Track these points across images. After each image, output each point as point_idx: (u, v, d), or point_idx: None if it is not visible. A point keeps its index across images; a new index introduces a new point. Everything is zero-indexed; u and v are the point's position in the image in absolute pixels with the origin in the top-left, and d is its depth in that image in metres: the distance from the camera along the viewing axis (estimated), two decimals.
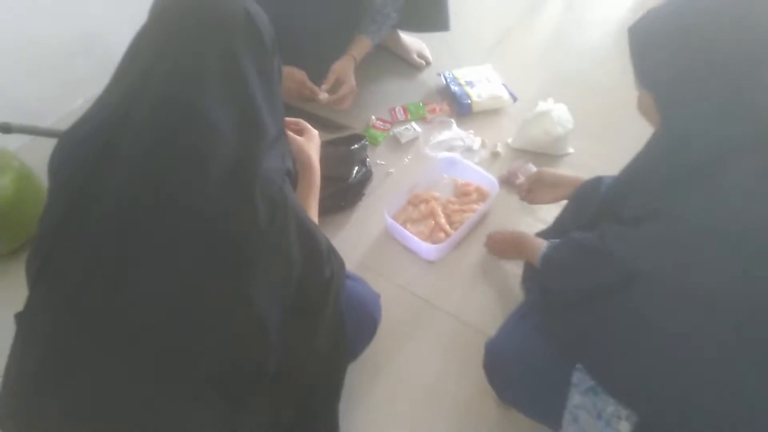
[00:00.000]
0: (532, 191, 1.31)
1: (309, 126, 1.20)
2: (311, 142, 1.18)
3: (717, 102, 0.75)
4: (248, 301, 0.82)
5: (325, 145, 1.46)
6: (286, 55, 1.61)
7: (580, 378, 0.90)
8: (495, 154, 1.63)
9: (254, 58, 0.85)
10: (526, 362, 0.98)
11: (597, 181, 1.21)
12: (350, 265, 1.39)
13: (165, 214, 0.77)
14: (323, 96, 1.61)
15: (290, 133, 1.19)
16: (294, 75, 1.62)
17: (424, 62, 1.91)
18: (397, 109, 1.77)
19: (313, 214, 1.13)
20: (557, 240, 1.02)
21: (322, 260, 0.99)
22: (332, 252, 1.06)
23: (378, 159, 1.64)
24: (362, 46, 1.67)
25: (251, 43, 0.85)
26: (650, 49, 0.83)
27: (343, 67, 1.63)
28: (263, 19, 0.88)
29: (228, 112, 0.80)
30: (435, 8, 1.76)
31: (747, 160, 0.74)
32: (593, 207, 1.02)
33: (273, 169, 0.87)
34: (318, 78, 1.65)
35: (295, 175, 1.07)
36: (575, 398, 0.90)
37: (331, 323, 1.03)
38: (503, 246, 1.33)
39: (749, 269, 0.72)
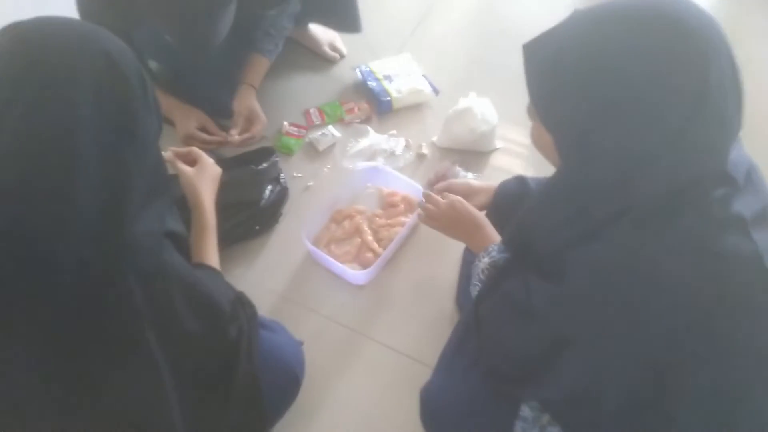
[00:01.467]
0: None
1: (202, 155, 1.05)
2: (202, 173, 1.03)
3: (635, 152, 0.65)
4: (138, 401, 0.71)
5: (229, 166, 1.29)
6: (178, 95, 1.39)
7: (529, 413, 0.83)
8: (421, 156, 1.52)
9: (117, 107, 0.68)
10: (467, 411, 0.89)
11: (519, 182, 1.12)
12: (270, 299, 1.26)
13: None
14: (235, 139, 1.42)
15: (179, 166, 1.02)
16: (195, 118, 1.43)
17: (337, 55, 1.74)
18: (312, 111, 1.61)
19: (211, 257, 0.98)
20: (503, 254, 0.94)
21: (224, 320, 0.86)
22: (239, 304, 0.93)
23: (294, 171, 1.48)
24: (259, 68, 1.50)
25: (112, 90, 0.68)
26: (556, 88, 0.70)
27: (246, 102, 1.45)
28: (126, 58, 0.70)
29: (87, 175, 0.64)
30: (342, 9, 1.60)
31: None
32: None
33: (146, 234, 0.72)
34: (218, 114, 1.48)
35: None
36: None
37: (243, 391, 0.91)
38: (452, 221, 1.06)
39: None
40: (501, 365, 0.87)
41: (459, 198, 1.07)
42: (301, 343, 1.08)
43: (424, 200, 1.12)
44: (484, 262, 0.95)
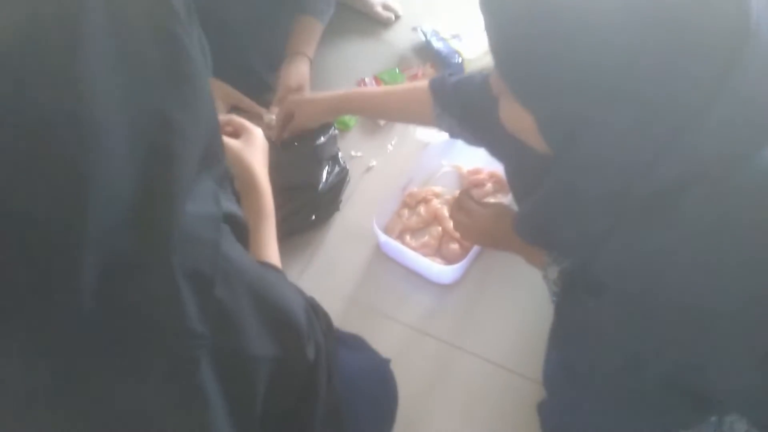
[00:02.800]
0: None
1: (247, 124, 0.81)
2: (252, 147, 0.79)
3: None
4: None
5: (278, 145, 1.05)
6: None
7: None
8: None
9: (156, 31, 0.44)
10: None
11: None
12: (336, 305, 1.01)
13: None
14: (268, 118, 1.14)
15: (225, 140, 0.78)
16: (223, 92, 1.14)
17: (392, 15, 1.49)
18: (368, 80, 1.36)
19: (272, 255, 0.74)
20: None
21: (301, 339, 0.61)
22: (314, 314, 0.68)
23: (352, 150, 1.24)
24: (312, 33, 1.22)
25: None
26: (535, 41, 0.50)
27: (296, 73, 1.16)
28: None
29: (118, 120, 0.40)
30: None
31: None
32: None
33: (200, 219, 0.48)
34: (257, 93, 1.19)
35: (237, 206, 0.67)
36: None
37: (325, 427, 0.66)
38: (486, 232, 0.85)
39: None
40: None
41: (495, 206, 0.85)
42: (388, 362, 0.83)
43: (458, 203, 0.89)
44: (552, 270, 0.74)
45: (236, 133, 0.81)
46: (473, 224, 0.85)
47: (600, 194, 0.55)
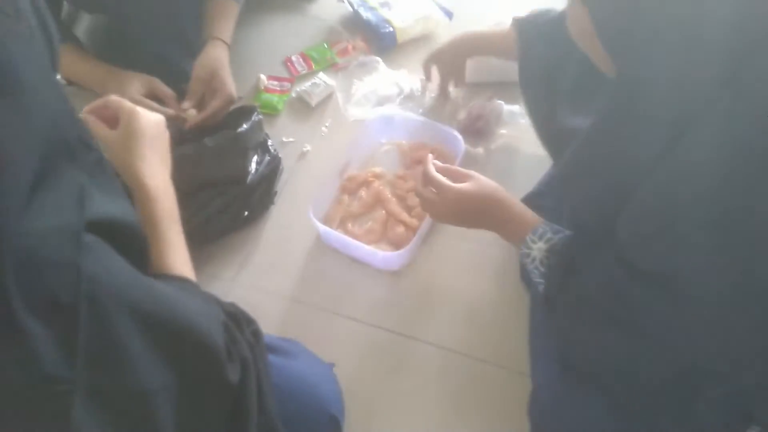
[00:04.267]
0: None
1: (124, 105, 0.65)
2: (132, 136, 0.63)
3: None
4: None
5: (194, 134, 0.95)
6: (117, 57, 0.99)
7: None
8: (442, 97, 1.18)
9: None
10: None
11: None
12: (275, 307, 0.93)
13: None
14: (191, 113, 1.00)
15: (95, 129, 0.65)
16: (137, 82, 1.00)
17: None
18: (294, 59, 1.25)
19: (178, 263, 0.62)
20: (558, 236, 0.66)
21: (216, 360, 0.53)
22: (236, 326, 0.59)
23: (283, 135, 1.14)
24: (227, 16, 1.09)
25: None
26: None
27: (208, 62, 1.02)
28: None
29: None
30: None
31: None
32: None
33: (51, 235, 0.38)
34: (176, 82, 1.05)
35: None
36: None
37: None
38: (456, 208, 0.76)
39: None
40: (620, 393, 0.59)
41: (458, 187, 0.74)
42: (331, 367, 0.76)
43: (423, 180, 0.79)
44: (538, 248, 0.67)
45: (111, 120, 0.66)
46: (443, 202, 0.75)
47: (658, 113, 0.49)
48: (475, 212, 0.75)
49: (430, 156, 0.82)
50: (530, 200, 0.89)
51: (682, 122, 0.47)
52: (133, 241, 0.48)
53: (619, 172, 0.53)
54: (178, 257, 0.60)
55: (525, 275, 0.93)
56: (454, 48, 1.04)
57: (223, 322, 0.55)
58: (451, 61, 1.06)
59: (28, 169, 0.36)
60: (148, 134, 0.64)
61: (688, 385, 0.52)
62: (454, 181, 0.76)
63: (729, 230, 0.45)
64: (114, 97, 0.67)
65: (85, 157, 0.45)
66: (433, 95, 1.15)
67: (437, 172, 0.78)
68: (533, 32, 0.86)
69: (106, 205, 0.44)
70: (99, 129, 0.64)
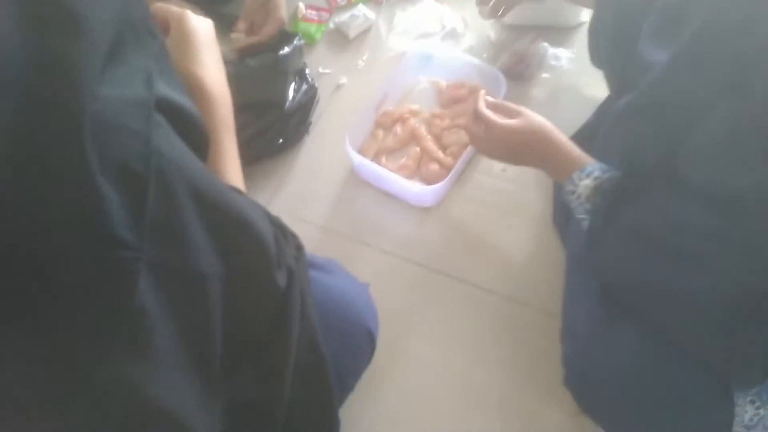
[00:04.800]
0: None
1: (174, 12, 0.62)
2: (186, 43, 0.61)
3: None
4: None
5: (236, 56, 0.94)
6: None
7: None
8: (484, 38, 1.15)
9: None
10: (644, 383, 0.59)
11: None
12: (309, 234, 0.94)
13: None
14: (238, 39, 0.96)
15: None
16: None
17: None
18: None
19: (232, 174, 0.63)
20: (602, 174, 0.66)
21: (268, 261, 0.54)
22: (283, 236, 0.61)
23: (320, 67, 1.12)
24: None
25: None
26: None
27: None
28: None
29: None
30: None
31: None
32: None
33: (124, 104, 0.39)
34: (221, 19, 0.99)
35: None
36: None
37: (302, 360, 0.60)
38: (505, 144, 0.76)
39: None
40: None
41: (507, 123, 0.75)
42: (367, 286, 0.77)
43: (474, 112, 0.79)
44: (584, 185, 0.67)
45: (165, 27, 0.63)
46: (493, 138, 0.76)
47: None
48: (524, 148, 0.75)
49: (482, 92, 0.81)
50: (577, 139, 0.89)
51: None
52: (194, 133, 0.48)
53: (719, 76, 0.52)
54: (233, 168, 0.60)
55: (558, 219, 0.93)
56: None
57: (273, 233, 0.56)
58: None
59: (105, 36, 0.36)
60: (201, 36, 0.62)
61: (737, 317, 0.53)
62: (505, 116, 0.76)
63: None
64: (160, 4, 0.65)
65: (149, 42, 0.44)
66: (472, 37, 1.12)
67: (489, 105, 0.77)
68: None
69: (170, 91, 0.44)
70: None
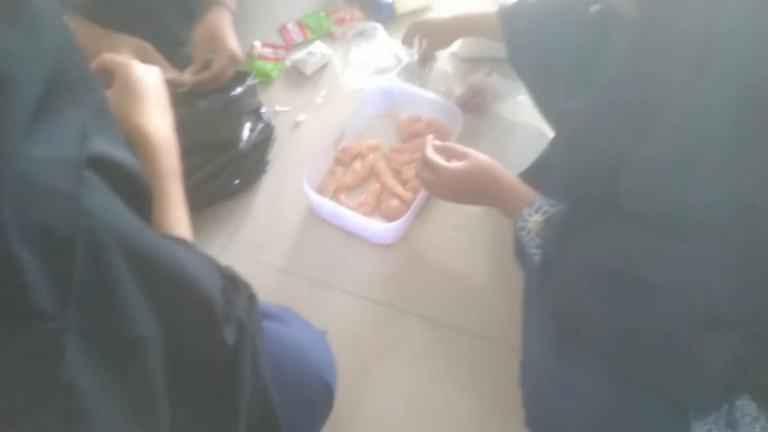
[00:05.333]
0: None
1: (119, 62, 0.63)
2: (129, 91, 0.61)
3: None
4: None
5: (187, 97, 0.92)
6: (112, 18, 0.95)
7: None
8: (439, 71, 1.16)
9: None
10: (604, 423, 0.57)
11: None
12: (267, 277, 0.92)
13: None
14: (188, 79, 0.95)
15: None
16: (127, 46, 0.95)
17: None
18: (290, 27, 1.22)
19: (177, 223, 0.61)
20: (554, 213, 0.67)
21: (214, 317, 0.51)
22: (233, 288, 0.58)
23: (276, 104, 1.11)
24: None
25: None
26: None
27: (211, 26, 0.98)
28: None
29: None
30: None
31: None
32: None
33: (51, 164, 0.37)
34: (170, 48, 1.01)
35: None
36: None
37: (255, 418, 0.58)
38: (455, 187, 0.78)
39: None
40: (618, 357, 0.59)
41: (433, 154, 0.79)
42: (324, 334, 0.75)
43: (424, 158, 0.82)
44: (534, 221, 0.68)
45: (107, 76, 0.63)
46: (441, 183, 0.78)
47: (683, 46, 0.48)
48: (472, 190, 0.77)
49: (430, 137, 0.84)
50: (528, 175, 0.89)
51: (705, 55, 0.46)
52: (134, 188, 0.46)
53: (635, 118, 0.52)
54: (178, 217, 0.58)
55: (519, 252, 0.93)
56: (443, 24, 1.01)
57: (221, 286, 0.54)
58: (438, 35, 1.03)
59: (33, 93, 0.35)
60: (146, 85, 0.61)
61: (692, 344, 0.52)
62: (453, 159, 0.78)
63: (740, 161, 0.45)
64: (107, 55, 0.65)
65: (87, 97, 0.43)
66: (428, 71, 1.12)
67: (437, 149, 0.79)
68: (520, 25, 0.85)
69: (108, 147, 0.42)
70: None
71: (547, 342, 0.66)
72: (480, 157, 0.76)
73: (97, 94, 0.45)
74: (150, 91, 0.62)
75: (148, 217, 0.53)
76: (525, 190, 0.73)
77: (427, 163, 0.80)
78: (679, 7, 0.49)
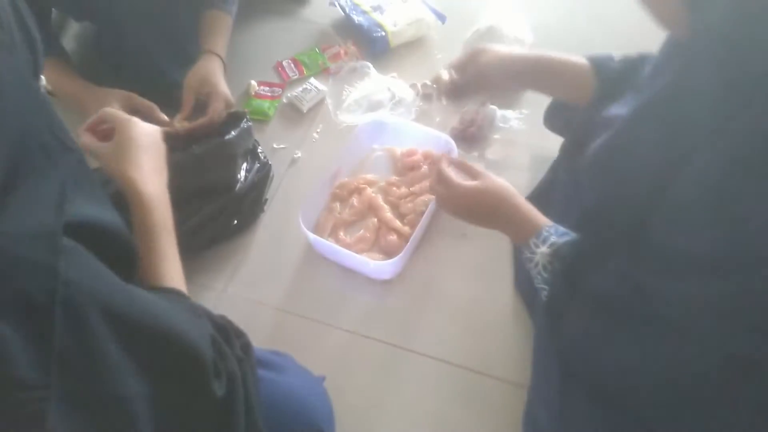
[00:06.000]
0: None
1: (118, 117, 0.67)
2: (126, 147, 0.65)
3: None
4: None
5: (183, 141, 0.93)
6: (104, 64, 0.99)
7: None
8: (433, 102, 1.16)
9: None
10: None
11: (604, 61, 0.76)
12: (266, 318, 0.92)
13: None
14: (181, 125, 0.97)
15: (89, 144, 0.66)
16: (114, 99, 0.97)
17: None
18: (285, 64, 1.24)
19: (170, 275, 0.62)
20: (561, 238, 0.65)
21: (203, 371, 0.51)
22: (226, 339, 0.58)
23: (274, 142, 1.12)
24: (220, 29, 1.08)
25: None
26: None
27: (203, 73, 1.01)
28: None
29: None
30: None
31: None
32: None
33: (26, 236, 0.38)
34: (164, 91, 1.04)
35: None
36: None
37: None
38: (465, 205, 0.76)
39: None
40: (628, 400, 0.57)
41: (451, 172, 0.75)
42: (321, 380, 0.74)
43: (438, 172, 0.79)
44: (541, 253, 0.66)
45: (105, 133, 0.68)
46: (453, 199, 0.75)
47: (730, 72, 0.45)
48: (483, 210, 0.74)
49: (446, 155, 0.82)
50: (533, 198, 0.88)
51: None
52: (117, 247, 0.47)
53: (670, 150, 0.50)
54: (170, 268, 0.59)
55: (519, 285, 0.92)
56: (513, 60, 0.82)
57: (211, 336, 0.54)
58: (498, 70, 0.83)
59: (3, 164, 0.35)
60: (143, 143, 0.65)
61: (723, 386, 0.50)
62: (468, 177, 0.75)
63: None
64: (109, 110, 0.70)
65: (65, 158, 0.44)
66: (421, 103, 1.13)
67: (451, 167, 0.78)
68: (615, 77, 0.74)
69: (88, 209, 0.43)
70: (92, 143, 0.66)
71: (552, 393, 0.65)
72: (494, 178, 0.74)
73: (76, 152, 0.46)
74: (147, 146, 0.66)
75: (134, 273, 0.54)
76: (534, 217, 0.70)
77: (440, 178, 0.77)
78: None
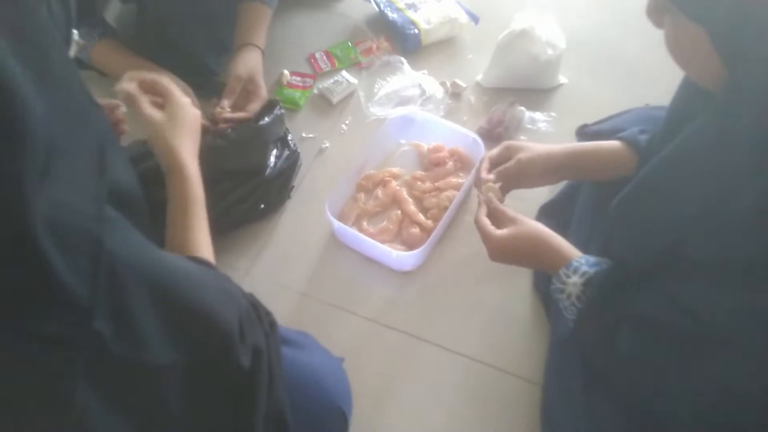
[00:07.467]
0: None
1: (173, 91, 0.70)
2: (177, 123, 0.68)
3: None
4: None
5: (217, 127, 0.96)
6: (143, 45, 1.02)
7: None
8: (462, 100, 1.17)
9: None
10: None
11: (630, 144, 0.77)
12: (287, 301, 0.93)
13: None
14: (223, 115, 0.99)
15: (144, 108, 0.69)
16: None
17: None
18: (318, 56, 1.26)
19: (200, 245, 0.64)
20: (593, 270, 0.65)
21: (230, 344, 0.53)
22: (255, 315, 0.60)
23: (303, 131, 1.14)
24: (260, 21, 1.11)
25: None
26: None
27: (245, 65, 1.03)
28: None
29: None
30: None
31: None
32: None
33: (72, 208, 0.39)
34: (202, 78, 1.09)
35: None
36: None
37: None
38: (501, 253, 0.75)
39: None
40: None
41: (500, 234, 0.73)
42: (341, 361, 0.76)
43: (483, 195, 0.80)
44: (572, 282, 0.65)
45: (160, 103, 0.71)
46: (490, 248, 0.75)
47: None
48: (519, 254, 0.73)
49: (482, 202, 0.80)
50: (552, 206, 0.89)
51: None
52: (137, 211, 0.50)
53: (708, 196, 0.52)
54: (203, 241, 0.62)
55: (537, 284, 0.93)
56: (550, 155, 0.82)
57: (239, 312, 0.56)
58: (537, 182, 0.85)
59: (44, 136, 0.37)
60: (191, 124, 0.69)
61: (748, 415, 0.50)
62: (500, 224, 0.75)
63: None
64: (167, 80, 0.72)
65: (95, 115, 0.46)
66: (451, 100, 1.14)
67: (486, 215, 0.77)
68: (650, 147, 0.76)
69: (121, 174, 0.46)
70: (150, 109, 0.68)
71: (573, 398, 0.66)
72: (527, 222, 0.72)
73: (104, 115, 0.50)
74: (192, 130, 0.70)
75: (147, 228, 0.56)
76: (568, 251, 0.68)
77: (477, 228, 0.77)
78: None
